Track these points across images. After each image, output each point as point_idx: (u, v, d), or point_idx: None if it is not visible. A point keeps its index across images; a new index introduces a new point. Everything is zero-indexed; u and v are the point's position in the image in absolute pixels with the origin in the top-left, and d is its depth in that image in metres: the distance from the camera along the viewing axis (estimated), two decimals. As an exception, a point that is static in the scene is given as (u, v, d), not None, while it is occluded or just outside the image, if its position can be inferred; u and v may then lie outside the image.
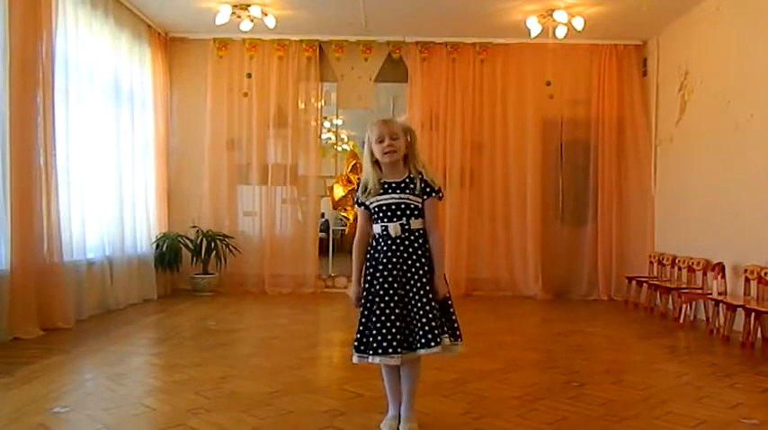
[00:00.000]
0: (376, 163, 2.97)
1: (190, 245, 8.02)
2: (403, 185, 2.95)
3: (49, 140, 5.53)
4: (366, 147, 2.99)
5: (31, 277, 5.31)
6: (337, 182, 8.46)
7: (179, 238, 7.97)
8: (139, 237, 7.54)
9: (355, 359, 2.92)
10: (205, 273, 8.07)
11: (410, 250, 2.93)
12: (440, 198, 3.00)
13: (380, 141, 2.92)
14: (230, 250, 8.13)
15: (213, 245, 8.04)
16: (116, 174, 7.01)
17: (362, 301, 2.95)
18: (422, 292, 2.88)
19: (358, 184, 3.07)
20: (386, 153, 2.91)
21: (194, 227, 8.10)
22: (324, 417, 3.27)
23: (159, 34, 8.19)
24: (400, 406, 3.03)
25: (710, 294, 5.93)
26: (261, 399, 3.57)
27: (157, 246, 7.82)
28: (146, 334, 5.90)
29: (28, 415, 3.26)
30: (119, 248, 6.96)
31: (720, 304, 5.70)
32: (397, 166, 2.98)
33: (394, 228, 2.93)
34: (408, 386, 3.00)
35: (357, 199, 3.06)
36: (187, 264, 8.01)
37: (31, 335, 5.16)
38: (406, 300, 2.89)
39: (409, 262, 2.92)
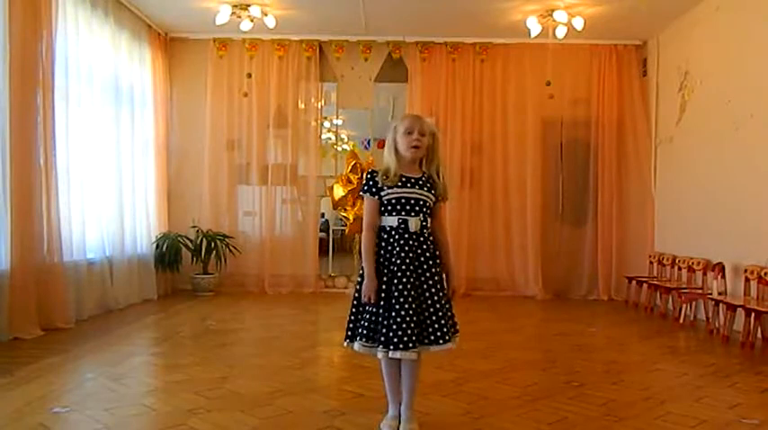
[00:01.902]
0: (396, 153, 2.98)
1: (190, 245, 8.02)
2: (421, 182, 2.97)
3: (49, 140, 5.53)
4: (391, 135, 2.99)
5: (31, 277, 5.31)
6: (337, 182, 8.44)
7: (179, 238, 7.97)
8: (139, 237, 7.54)
9: (380, 354, 2.86)
10: (205, 273, 8.07)
11: (424, 247, 2.94)
12: (445, 201, 3.09)
13: (409, 133, 2.93)
14: (230, 250, 8.13)
15: (213, 245, 8.04)
16: (116, 174, 7.01)
17: (378, 296, 2.88)
18: (435, 289, 2.91)
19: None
20: (412, 147, 2.92)
21: (194, 227, 8.10)
22: (324, 417, 3.27)
23: (159, 34, 8.19)
24: (400, 405, 3.03)
25: (710, 294, 5.93)
26: (261, 399, 3.57)
27: (157, 246, 7.82)
28: (146, 334, 5.90)
29: (28, 415, 3.26)
30: (119, 248, 6.96)
31: (720, 304, 5.70)
32: (415, 163, 3.00)
33: (414, 223, 2.92)
34: (409, 385, 3.00)
35: (372, 186, 2.96)
36: (187, 264, 8.00)
37: (31, 335, 5.16)
38: (418, 294, 2.89)
39: (422, 258, 2.93)
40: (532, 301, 8.06)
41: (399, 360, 2.95)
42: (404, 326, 2.82)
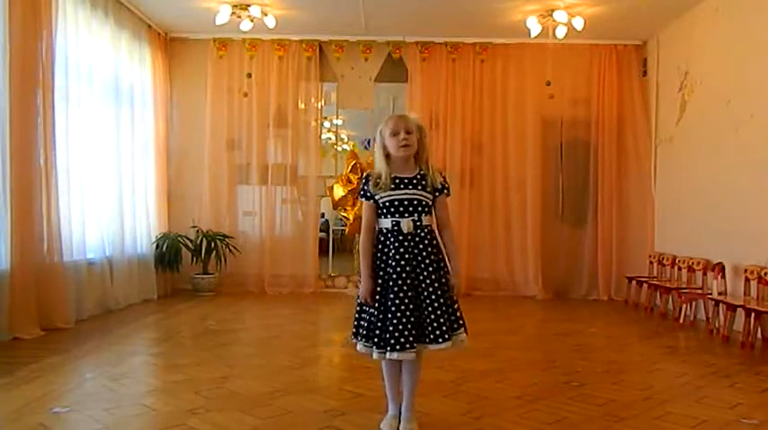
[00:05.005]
0: (387, 157, 2.96)
1: (190, 245, 8.02)
2: (415, 181, 2.95)
3: (49, 140, 5.53)
4: (378, 140, 2.98)
5: (31, 277, 5.31)
6: (337, 182, 8.45)
7: (179, 238, 7.97)
8: (139, 237, 7.54)
9: (376, 355, 2.87)
10: (205, 273, 8.06)
11: (420, 246, 2.92)
12: (448, 195, 3.03)
13: (395, 134, 2.91)
14: (230, 250, 8.13)
15: (213, 245, 8.04)
16: (116, 174, 7.01)
17: (374, 297, 2.91)
18: (432, 288, 2.88)
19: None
20: (401, 147, 2.91)
21: (194, 227, 8.10)
22: (324, 417, 3.27)
23: (159, 34, 8.19)
24: (400, 405, 3.03)
25: (710, 294, 5.93)
26: (261, 399, 3.57)
27: (157, 246, 7.82)
28: (146, 334, 5.90)
29: (28, 415, 3.26)
30: (119, 248, 6.96)
31: (720, 304, 5.70)
32: (408, 162, 2.98)
33: (407, 224, 2.91)
34: (409, 385, 3.00)
35: (366, 191, 2.98)
36: (187, 264, 8.00)
37: (31, 335, 5.16)
38: (416, 294, 2.88)
39: (419, 258, 2.91)
40: (532, 301, 8.06)
41: (400, 360, 2.95)
42: (400, 327, 2.82)
